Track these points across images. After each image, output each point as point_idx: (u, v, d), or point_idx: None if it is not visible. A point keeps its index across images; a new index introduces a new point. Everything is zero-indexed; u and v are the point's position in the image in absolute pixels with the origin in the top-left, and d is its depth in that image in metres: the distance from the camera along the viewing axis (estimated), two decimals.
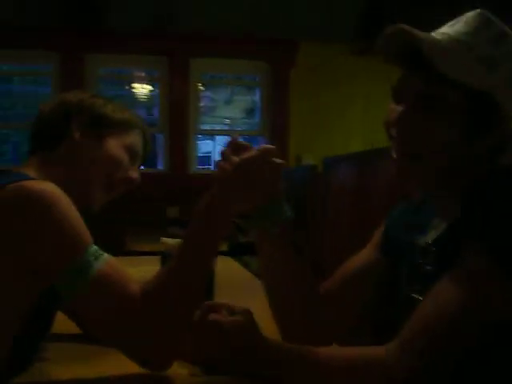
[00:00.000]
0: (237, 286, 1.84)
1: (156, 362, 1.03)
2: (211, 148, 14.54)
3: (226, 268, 2.23)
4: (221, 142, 13.26)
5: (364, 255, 1.28)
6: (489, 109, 0.98)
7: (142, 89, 5.73)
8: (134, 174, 1.32)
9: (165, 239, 2.16)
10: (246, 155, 1.07)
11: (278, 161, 1.11)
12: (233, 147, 1.10)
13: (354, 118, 5.48)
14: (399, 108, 1.05)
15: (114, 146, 1.28)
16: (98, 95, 1.35)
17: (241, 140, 1.12)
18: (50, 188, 1.02)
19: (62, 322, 1.24)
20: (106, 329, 1.02)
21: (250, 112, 6.89)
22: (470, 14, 1.03)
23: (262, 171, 1.09)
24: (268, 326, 1.22)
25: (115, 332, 1.01)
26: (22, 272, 0.99)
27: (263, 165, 1.09)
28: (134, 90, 5.72)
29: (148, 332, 1.00)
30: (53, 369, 1.14)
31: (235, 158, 1.06)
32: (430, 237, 1.10)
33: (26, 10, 4.72)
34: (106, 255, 1.02)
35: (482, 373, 0.94)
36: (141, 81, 5.76)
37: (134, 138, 1.33)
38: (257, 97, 5.84)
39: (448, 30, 1.03)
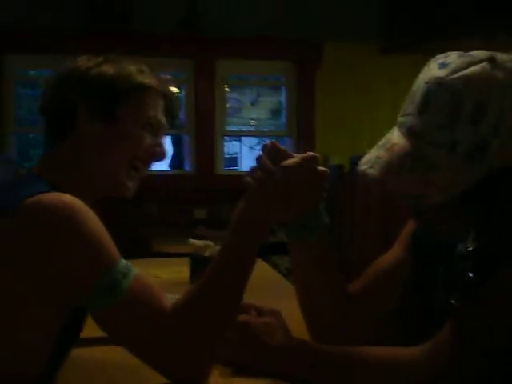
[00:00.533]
0: (265, 286, 1.83)
1: (191, 378, 0.99)
2: (238, 149, 14.58)
3: (255, 269, 2.22)
4: (247, 142, 13.31)
5: (392, 255, 1.26)
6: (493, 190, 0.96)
7: None
8: (158, 149, 1.18)
9: (192, 241, 2.17)
10: (286, 163, 1.01)
11: (323, 169, 1.05)
12: (269, 152, 1.03)
13: (381, 117, 5.43)
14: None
15: (130, 124, 1.13)
16: (108, 57, 1.18)
17: (278, 143, 1.05)
18: (69, 201, 0.96)
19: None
20: (138, 348, 0.98)
21: (276, 113, 6.89)
22: (432, 93, 0.96)
23: (305, 181, 1.02)
24: (297, 326, 1.22)
25: (148, 351, 0.97)
26: (49, 293, 0.95)
27: (306, 174, 1.02)
28: None
29: (181, 350, 0.96)
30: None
31: (271, 166, 1.00)
32: (471, 243, 1.06)
33: (58, 15, 4.77)
34: (134, 271, 0.97)
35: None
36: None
37: (153, 106, 1.17)
38: (283, 97, 5.83)
39: (417, 123, 0.98)
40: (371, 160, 0.99)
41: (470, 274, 1.03)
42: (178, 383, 0.98)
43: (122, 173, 1.14)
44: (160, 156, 1.19)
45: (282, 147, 1.04)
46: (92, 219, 0.97)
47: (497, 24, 4.27)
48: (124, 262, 0.97)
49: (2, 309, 0.97)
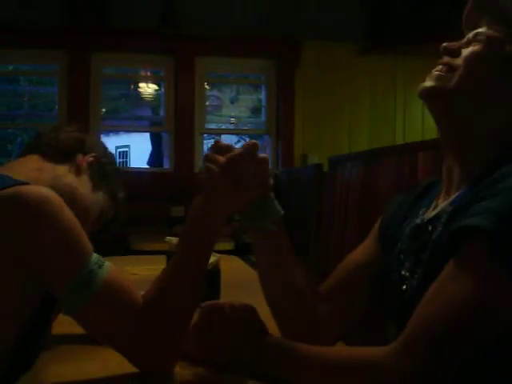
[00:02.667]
0: (243, 284, 1.83)
1: (158, 367, 1.04)
2: None
3: (232, 267, 2.22)
4: (227, 140, 13.29)
5: (362, 250, 1.26)
6: None
7: (147, 88, 5.73)
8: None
9: (169, 238, 2.16)
10: (230, 154, 1.06)
11: (263, 155, 1.10)
12: (216, 149, 1.09)
13: (360, 116, 5.47)
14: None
15: (99, 202, 1.33)
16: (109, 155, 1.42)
17: (220, 141, 1.12)
18: (47, 194, 0.99)
19: (67, 323, 1.24)
20: (109, 336, 1.03)
21: (255, 111, 6.88)
22: None
23: (249, 168, 1.07)
24: (274, 325, 1.21)
25: (118, 339, 1.02)
26: (23, 282, 0.98)
27: (249, 161, 1.07)
28: (139, 90, 5.72)
29: (150, 338, 1.01)
30: (56, 368, 1.14)
31: (221, 158, 1.05)
32: (429, 214, 1.08)
33: (31, 9, 4.72)
34: (107, 263, 1.01)
35: (485, 378, 0.93)
36: (146, 80, 5.76)
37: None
38: (262, 96, 5.84)
39: None
40: None
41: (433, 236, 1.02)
42: (145, 370, 1.03)
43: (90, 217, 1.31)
44: None
45: (227, 144, 1.10)
46: (67, 212, 1.00)
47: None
48: (96, 255, 1.01)
49: None
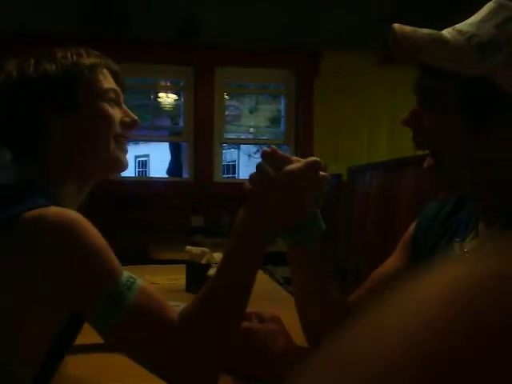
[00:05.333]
0: (263, 295, 1.83)
1: None
2: (236, 157, 14.62)
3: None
4: (245, 150, 13.35)
5: (391, 265, 1.24)
6: (486, 94, 0.92)
7: (167, 98, 5.77)
8: (129, 118, 1.20)
9: (189, 248, 2.18)
10: (289, 168, 0.99)
11: (324, 174, 1.01)
12: (269, 159, 1.00)
13: (379, 127, 5.46)
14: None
15: (94, 105, 1.14)
16: (37, 55, 1.17)
17: (277, 149, 1.02)
18: (72, 216, 0.95)
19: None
20: (145, 360, 0.96)
21: (274, 121, 6.91)
22: (488, 4, 1.00)
23: (307, 187, 0.99)
24: (297, 333, 1.21)
25: (156, 363, 0.95)
26: (49, 306, 0.95)
27: (309, 180, 0.99)
28: (159, 100, 5.76)
29: (189, 360, 0.95)
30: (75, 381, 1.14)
31: (272, 173, 0.98)
32: (469, 245, 1.05)
33: (51, 19, 4.78)
34: (138, 281, 0.96)
35: None
36: (166, 90, 5.80)
37: (105, 80, 1.19)
38: (281, 106, 5.85)
39: (461, 24, 1.01)
40: None
41: None
42: None
43: (111, 151, 1.15)
44: (135, 124, 1.21)
45: (281, 153, 1.01)
46: (94, 234, 0.96)
47: None
48: (127, 274, 0.96)
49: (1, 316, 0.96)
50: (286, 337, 1.13)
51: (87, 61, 1.16)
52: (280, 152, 1.01)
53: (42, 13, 4.69)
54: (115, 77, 1.24)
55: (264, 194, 0.97)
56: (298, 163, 1.00)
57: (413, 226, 1.25)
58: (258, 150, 8.24)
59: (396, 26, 0.97)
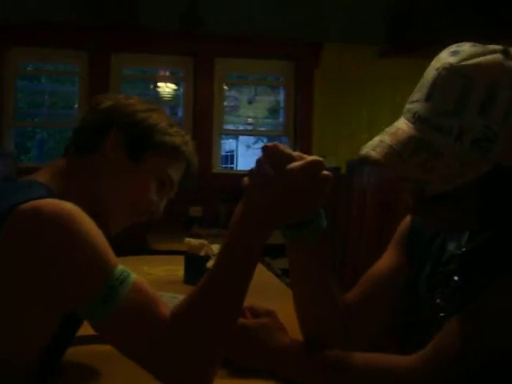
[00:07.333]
0: (260, 287, 1.83)
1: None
2: (234, 147, 14.58)
3: None
4: (244, 141, 13.29)
5: (387, 261, 1.24)
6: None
7: (166, 88, 5.75)
8: (156, 209, 1.23)
9: (188, 239, 2.18)
10: (290, 167, 0.97)
11: (327, 173, 0.99)
12: (269, 155, 0.98)
13: (379, 119, 5.44)
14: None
15: (148, 172, 1.19)
16: (154, 108, 1.24)
17: (279, 145, 1.00)
18: (68, 208, 0.95)
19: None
20: (137, 356, 0.96)
21: (273, 112, 6.89)
22: (441, 77, 0.94)
23: (308, 186, 0.98)
24: (293, 326, 1.21)
25: (148, 359, 0.94)
26: (44, 299, 0.94)
27: (310, 179, 0.97)
28: (158, 89, 5.74)
29: (183, 358, 0.94)
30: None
31: (271, 172, 0.96)
32: (464, 245, 1.06)
33: (53, 8, 4.76)
34: (132, 276, 0.95)
35: None
36: (165, 80, 5.78)
37: (175, 169, 1.23)
38: (281, 97, 5.83)
39: (423, 109, 0.96)
40: (374, 144, 0.97)
41: (456, 278, 1.03)
42: None
43: (117, 209, 1.18)
44: (154, 215, 1.24)
45: (283, 149, 0.99)
46: (90, 225, 0.96)
47: (498, 32, 4.28)
48: (121, 268, 0.95)
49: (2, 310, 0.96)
50: (280, 331, 1.13)
51: (183, 145, 1.25)
52: (282, 147, 0.99)
53: (48, 1, 4.69)
54: (187, 171, 1.29)
55: (262, 192, 0.95)
56: (299, 162, 0.98)
57: (405, 224, 1.25)
58: (256, 141, 8.23)
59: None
